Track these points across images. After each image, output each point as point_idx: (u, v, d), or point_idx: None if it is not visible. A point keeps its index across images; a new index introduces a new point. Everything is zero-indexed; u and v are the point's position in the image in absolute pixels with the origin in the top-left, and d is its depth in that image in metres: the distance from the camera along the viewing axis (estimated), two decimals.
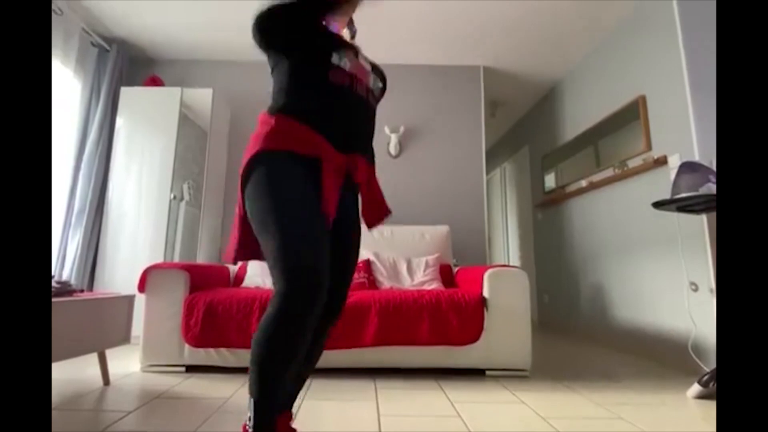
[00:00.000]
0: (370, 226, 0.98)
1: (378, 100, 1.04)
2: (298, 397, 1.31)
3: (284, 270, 0.78)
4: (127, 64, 3.21)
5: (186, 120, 2.97)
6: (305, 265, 0.78)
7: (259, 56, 3.91)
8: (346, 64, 0.91)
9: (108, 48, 3.01)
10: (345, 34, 1.10)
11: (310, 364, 1.02)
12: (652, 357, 2.34)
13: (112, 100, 2.97)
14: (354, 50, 0.97)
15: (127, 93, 2.94)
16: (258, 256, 0.90)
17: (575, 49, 3.14)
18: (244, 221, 0.89)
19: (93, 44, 2.90)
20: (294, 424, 0.99)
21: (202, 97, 2.98)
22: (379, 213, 0.97)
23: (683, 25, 2.23)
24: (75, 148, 2.76)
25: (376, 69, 1.02)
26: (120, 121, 2.89)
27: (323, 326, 0.97)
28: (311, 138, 0.85)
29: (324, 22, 1.00)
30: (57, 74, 2.58)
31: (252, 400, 0.82)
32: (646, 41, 2.52)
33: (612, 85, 2.86)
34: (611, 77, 2.88)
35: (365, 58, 1.01)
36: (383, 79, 1.04)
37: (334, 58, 0.90)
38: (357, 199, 1.01)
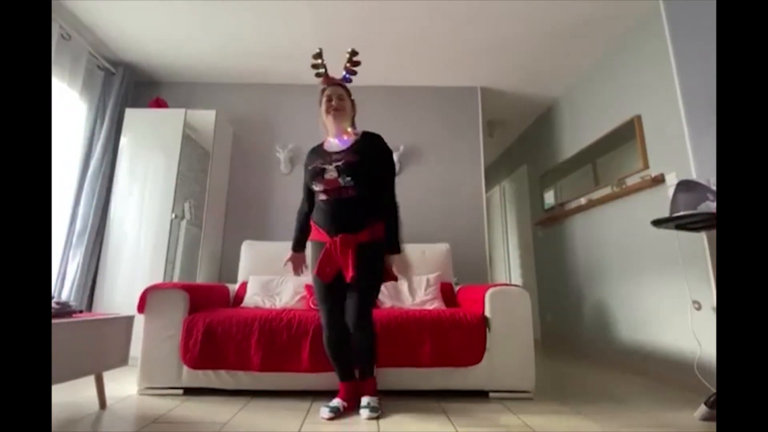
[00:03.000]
0: (346, 278, 1.57)
1: (358, 183, 1.59)
2: (300, 422, 1.37)
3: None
4: (133, 87, 3.27)
5: (189, 140, 3.02)
6: (323, 315, 1.65)
7: (260, 79, 3.98)
8: (320, 187, 1.62)
9: (114, 71, 3.08)
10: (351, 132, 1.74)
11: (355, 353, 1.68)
12: (657, 377, 2.30)
13: (117, 122, 3.01)
14: (324, 172, 1.62)
15: (131, 114, 2.99)
16: None
17: (570, 70, 3.21)
18: None
19: (99, 67, 2.97)
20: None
21: (205, 118, 3.03)
22: (349, 271, 1.57)
23: (675, 47, 2.30)
24: (78, 169, 2.78)
25: (342, 170, 1.58)
26: (124, 142, 2.93)
27: (353, 334, 1.61)
28: (318, 233, 1.66)
29: (326, 146, 1.73)
30: (63, 97, 2.63)
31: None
32: (640, 62, 2.58)
33: (608, 105, 2.92)
34: (607, 97, 2.94)
35: (335, 167, 1.60)
36: (351, 172, 1.58)
37: (314, 188, 1.66)
38: (367, 259, 1.59)
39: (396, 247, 1.65)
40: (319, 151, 1.72)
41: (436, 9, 2.55)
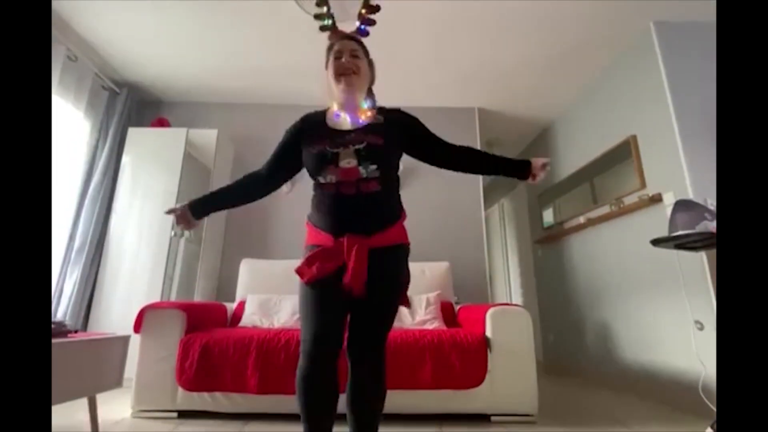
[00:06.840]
0: (353, 292, 1.09)
1: (384, 175, 1.16)
2: None
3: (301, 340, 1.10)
4: (136, 106, 3.32)
5: (190, 158, 3.04)
6: (304, 337, 1.09)
7: (261, 99, 4.02)
8: (331, 179, 1.14)
9: (118, 91, 3.13)
10: (365, 104, 1.28)
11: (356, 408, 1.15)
12: (661, 399, 2.26)
13: (119, 140, 3.04)
14: (337, 158, 1.13)
15: (134, 133, 3.02)
16: None
17: (566, 91, 3.28)
18: None
19: (104, 88, 3.02)
20: None
21: (206, 137, 3.07)
22: (357, 280, 1.09)
23: (667, 69, 2.35)
24: (80, 186, 2.80)
25: (364, 155, 1.13)
26: (126, 160, 2.95)
27: (354, 374, 1.13)
28: (316, 233, 1.19)
29: (335, 117, 1.24)
30: (68, 116, 2.66)
31: None
32: (634, 83, 2.64)
33: (603, 126, 2.96)
34: (602, 118, 2.99)
35: (354, 151, 1.13)
36: (376, 159, 1.14)
37: (320, 179, 1.16)
38: (382, 266, 1.13)
39: (520, 163, 1.28)
40: (322, 128, 1.22)
41: (436, 35, 2.62)
